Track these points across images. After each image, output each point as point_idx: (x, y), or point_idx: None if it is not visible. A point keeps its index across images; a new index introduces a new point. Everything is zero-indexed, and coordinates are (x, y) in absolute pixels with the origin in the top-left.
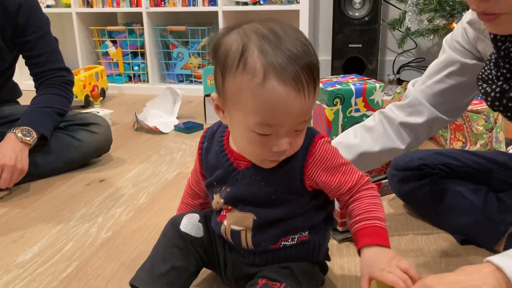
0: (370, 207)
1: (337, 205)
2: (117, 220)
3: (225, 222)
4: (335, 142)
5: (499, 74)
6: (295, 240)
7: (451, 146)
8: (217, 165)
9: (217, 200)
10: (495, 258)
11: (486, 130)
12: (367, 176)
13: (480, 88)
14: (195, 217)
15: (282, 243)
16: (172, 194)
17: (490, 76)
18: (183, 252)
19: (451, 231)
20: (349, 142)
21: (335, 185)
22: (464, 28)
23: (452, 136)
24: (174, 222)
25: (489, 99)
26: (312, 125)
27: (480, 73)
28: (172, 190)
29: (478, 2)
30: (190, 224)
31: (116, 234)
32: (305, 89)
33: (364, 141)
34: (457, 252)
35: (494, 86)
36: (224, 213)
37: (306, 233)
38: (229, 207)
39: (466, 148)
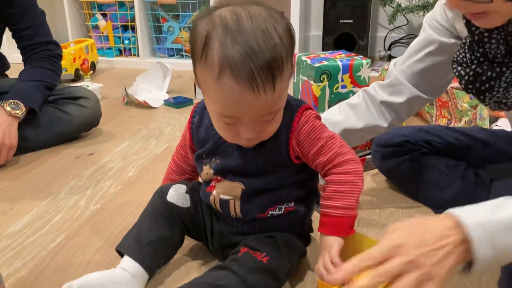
0: (331, 194)
1: (321, 180)
2: (105, 193)
3: (214, 192)
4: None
5: (473, 57)
6: (282, 210)
7: (436, 122)
8: (207, 138)
9: (207, 171)
10: (457, 211)
11: (470, 107)
12: (346, 153)
13: (454, 70)
14: (182, 188)
15: (270, 212)
16: (161, 168)
17: (465, 59)
18: (169, 222)
19: (431, 205)
20: (334, 119)
21: (310, 157)
22: (443, 6)
23: (437, 113)
24: (161, 193)
25: (463, 82)
26: None
27: (455, 56)
28: (160, 164)
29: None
30: (177, 195)
31: (104, 206)
32: (260, 87)
33: (348, 118)
34: None
35: (468, 70)
36: (213, 184)
37: (293, 204)
38: (219, 178)
39: (451, 125)
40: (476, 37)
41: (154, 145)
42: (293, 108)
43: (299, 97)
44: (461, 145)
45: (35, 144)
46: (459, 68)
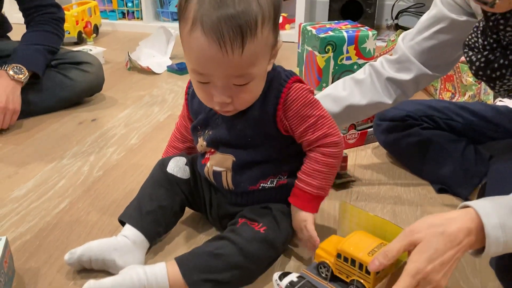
0: (310, 172)
1: None
2: (108, 159)
3: (208, 164)
4: (324, 93)
5: (485, 43)
6: (274, 183)
7: (440, 96)
8: (200, 110)
9: (201, 143)
10: (474, 203)
11: (475, 81)
12: (334, 134)
13: (465, 55)
14: (182, 160)
15: (261, 185)
16: (164, 135)
17: (477, 44)
18: (169, 193)
19: (430, 180)
20: (338, 95)
21: (298, 133)
22: None
23: (442, 86)
24: (162, 164)
25: (474, 67)
26: (303, 72)
27: (467, 40)
28: (163, 132)
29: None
30: (177, 167)
31: (107, 173)
32: (227, 44)
33: (352, 94)
34: (433, 200)
35: (479, 56)
36: (207, 156)
37: (286, 177)
38: (212, 150)
39: (455, 99)
40: (491, 23)
41: (157, 112)
42: (281, 79)
43: (303, 67)
44: (462, 121)
45: (38, 108)
46: (470, 53)
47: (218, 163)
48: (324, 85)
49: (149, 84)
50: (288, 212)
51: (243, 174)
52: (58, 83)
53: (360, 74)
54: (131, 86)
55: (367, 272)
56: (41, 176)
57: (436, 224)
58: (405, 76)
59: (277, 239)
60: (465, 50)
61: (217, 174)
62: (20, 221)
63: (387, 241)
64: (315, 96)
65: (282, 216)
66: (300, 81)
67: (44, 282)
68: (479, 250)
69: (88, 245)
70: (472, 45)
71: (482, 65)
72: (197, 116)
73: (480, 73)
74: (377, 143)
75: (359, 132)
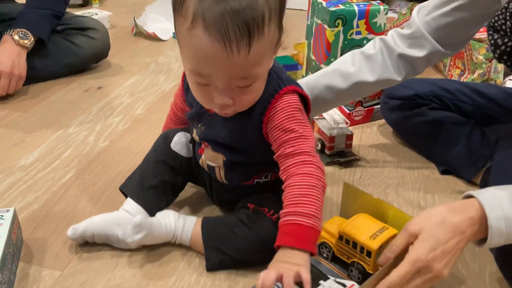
0: (294, 200)
1: (327, 130)
2: (114, 129)
3: (202, 156)
4: (332, 68)
5: None
6: (269, 177)
7: (449, 73)
8: (192, 103)
9: (195, 135)
10: (478, 194)
11: (486, 59)
12: (313, 155)
13: (490, 37)
14: (186, 136)
15: (256, 180)
16: (169, 106)
17: (504, 27)
18: (172, 169)
19: (434, 161)
20: (346, 70)
21: (275, 146)
22: None
23: (451, 63)
24: (166, 139)
25: (498, 51)
26: (311, 45)
27: (493, 21)
28: (168, 102)
29: None
30: (180, 144)
31: (113, 143)
32: (232, 43)
33: (361, 70)
34: (436, 182)
35: (506, 40)
36: (202, 147)
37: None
38: (205, 143)
39: (464, 76)
40: None
41: (162, 82)
42: (274, 86)
43: (312, 40)
44: (470, 102)
45: (44, 74)
46: (495, 36)
47: (210, 159)
48: (332, 59)
49: (155, 51)
50: None
51: (236, 172)
52: (64, 49)
53: (370, 48)
54: (137, 53)
55: (368, 255)
56: (47, 145)
57: (435, 215)
58: (418, 53)
59: None
60: (490, 32)
61: (211, 168)
62: (28, 190)
63: (389, 225)
64: (323, 70)
65: None
66: (294, 92)
67: (52, 252)
68: (481, 240)
69: (91, 220)
70: (499, 27)
71: (508, 49)
72: (191, 108)
73: (505, 57)
74: (383, 120)
75: (365, 109)
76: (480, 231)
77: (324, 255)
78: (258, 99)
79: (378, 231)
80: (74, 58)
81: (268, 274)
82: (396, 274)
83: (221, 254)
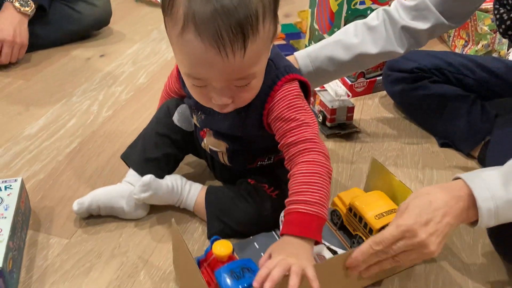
0: (299, 188)
1: (329, 102)
2: (117, 99)
3: (205, 140)
4: (335, 39)
5: None
6: (272, 159)
7: (453, 43)
8: (191, 95)
9: (195, 121)
10: (465, 176)
11: (490, 30)
12: (317, 142)
13: (495, 12)
14: (188, 111)
15: (259, 163)
16: None
17: (510, 2)
18: (174, 142)
19: (434, 134)
20: (349, 42)
21: (278, 136)
22: None
23: (455, 33)
24: (167, 111)
25: (503, 26)
26: (315, 14)
27: None
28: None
29: None
30: (182, 117)
31: (116, 113)
32: (227, 47)
33: (364, 41)
34: (435, 154)
35: (511, 14)
36: (204, 131)
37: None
38: (207, 129)
39: (468, 47)
40: None
41: (164, 50)
42: (273, 77)
43: (315, 9)
44: (472, 76)
45: (46, 41)
46: (501, 10)
47: (213, 144)
48: (335, 29)
49: (157, 18)
50: None
51: (240, 157)
52: (65, 16)
53: (373, 19)
54: (139, 20)
55: (370, 232)
56: (51, 114)
57: (425, 192)
58: (421, 25)
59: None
60: (496, 6)
61: (214, 152)
62: (34, 159)
63: None
64: (325, 41)
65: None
66: (294, 80)
67: (59, 220)
68: (474, 222)
69: (95, 193)
70: (505, 2)
71: None
72: (189, 97)
73: (510, 32)
74: (385, 92)
75: (367, 80)
76: (469, 209)
77: (334, 221)
78: (265, 80)
79: (386, 212)
80: (76, 25)
81: (274, 270)
82: (380, 233)
83: (222, 223)
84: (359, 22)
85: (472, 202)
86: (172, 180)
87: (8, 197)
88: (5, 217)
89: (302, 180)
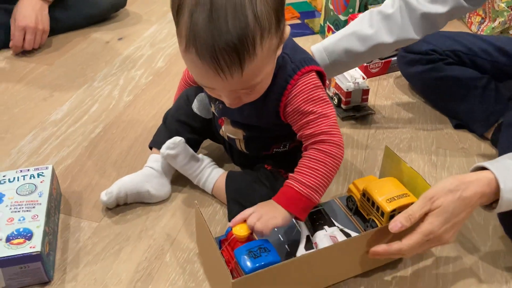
0: (304, 169)
1: (344, 85)
2: (137, 83)
3: (223, 128)
4: (350, 31)
5: None
6: (287, 146)
7: (469, 20)
8: None
9: (213, 109)
10: (491, 165)
11: (508, 7)
12: (334, 134)
13: None
14: (207, 99)
15: (274, 150)
16: None
17: None
18: (193, 129)
19: (448, 115)
20: (364, 33)
21: (296, 128)
22: None
23: None
24: (187, 100)
25: None
26: None
27: None
28: None
29: None
30: (201, 106)
31: (137, 97)
32: (224, 70)
33: (379, 31)
34: (449, 136)
35: None
36: (222, 119)
37: (297, 138)
38: (224, 118)
39: (484, 24)
40: None
41: None
42: (286, 73)
43: None
44: (487, 57)
45: (65, 25)
46: None
47: (230, 132)
48: (350, 10)
49: None
50: None
51: (255, 144)
52: (83, 0)
53: (388, 7)
54: (155, 1)
55: (382, 215)
56: (75, 99)
57: (453, 190)
58: (440, 9)
59: None
60: None
61: (231, 139)
62: (61, 145)
63: (414, 193)
64: (340, 32)
65: None
66: (311, 72)
67: (88, 204)
68: (488, 206)
69: (121, 182)
70: None
71: None
72: None
73: None
74: (399, 72)
75: (382, 61)
76: (489, 200)
77: (350, 207)
78: (273, 86)
79: (398, 196)
80: (94, 8)
81: (246, 212)
82: (409, 243)
83: (241, 207)
84: (374, 10)
85: (495, 193)
86: (202, 156)
87: (41, 184)
88: (40, 204)
89: (308, 164)
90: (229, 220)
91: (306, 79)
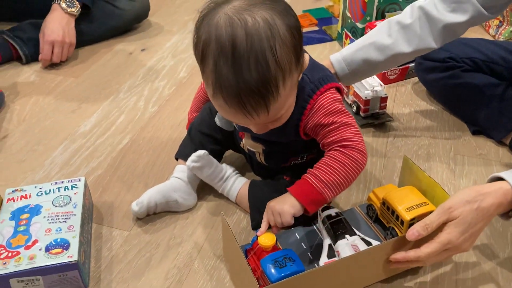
0: (322, 166)
1: (362, 93)
2: (161, 94)
3: (243, 141)
4: (369, 41)
5: None
6: (304, 158)
7: (487, 23)
8: None
9: (234, 124)
10: (508, 176)
11: None
12: (357, 141)
13: None
14: None
15: (292, 162)
16: None
17: None
18: (216, 140)
19: (466, 121)
20: (383, 43)
21: (320, 138)
22: None
23: None
24: (210, 113)
25: None
26: (347, 6)
27: None
28: None
29: None
30: (224, 119)
31: (161, 108)
32: (251, 112)
33: (398, 41)
34: (467, 142)
35: None
36: (243, 133)
37: (315, 150)
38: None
39: (502, 28)
40: None
41: None
42: (305, 94)
43: (348, 1)
44: (505, 64)
45: (90, 38)
46: None
47: (250, 145)
48: (368, 18)
49: (192, 7)
50: None
51: (274, 157)
52: (108, 13)
53: (406, 18)
54: (175, 11)
55: (402, 223)
56: (102, 110)
57: (471, 201)
58: (460, 18)
59: None
60: None
61: (251, 152)
62: (90, 156)
63: (432, 202)
64: (359, 42)
65: None
66: (330, 89)
67: (119, 214)
68: (505, 214)
69: (150, 192)
70: None
71: None
72: None
73: None
74: (417, 78)
75: (400, 67)
76: (505, 210)
77: (370, 215)
78: (301, 94)
79: (417, 205)
80: (117, 21)
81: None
82: (427, 251)
83: (262, 215)
84: (392, 20)
85: (511, 203)
86: (226, 166)
87: (75, 196)
88: (75, 214)
89: (327, 162)
90: (252, 227)
91: (325, 96)
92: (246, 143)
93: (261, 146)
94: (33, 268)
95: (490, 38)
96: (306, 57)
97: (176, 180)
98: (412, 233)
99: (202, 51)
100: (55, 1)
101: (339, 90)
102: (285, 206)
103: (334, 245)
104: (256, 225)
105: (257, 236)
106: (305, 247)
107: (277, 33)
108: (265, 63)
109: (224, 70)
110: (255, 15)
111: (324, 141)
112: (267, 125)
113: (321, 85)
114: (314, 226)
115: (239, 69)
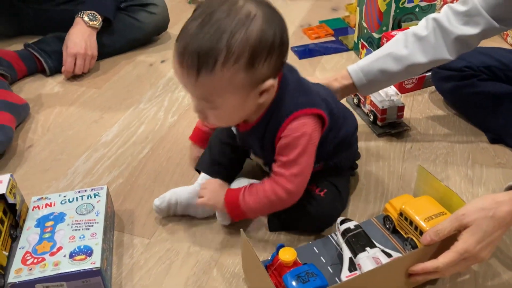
0: (255, 190)
1: (379, 103)
2: (180, 104)
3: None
4: (386, 52)
5: None
6: (314, 166)
7: (505, 32)
8: None
9: (238, 140)
10: None
11: None
12: (292, 182)
13: None
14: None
15: None
16: None
17: None
18: (235, 149)
19: (484, 130)
20: (399, 53)
21: (275, 155)
22: None
23: None
24: None
25: None
26: (364, 16)
27: None
28: None
29: None
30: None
31: (181, 118)
32: (184, 66)
33: (414, 52)
34: (485, 151)
35: None
36: None
37: (317, 165)
38: None
39: None
40: None
41: None
42: (282, 115)
43: (363, 9)
44: None
45: (111, 50)
46: None
47: (255, 158)
48: (384, 28)
49: None
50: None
51: None
52: (128, 25)
53: (422, 30)
54: None
55: (420, 234)
56: (123, 121)
57: (486, 208)
58: (472, 30)
59: (336, 201)
60: None
61: (258, 163)
62: (112, 165)
63: (449, 211)
64: (376, 53)
65: (338, 179)
66: (304, 116)
67: (139, 222)
68: None
69: (174, 191)
70: None
71: None
72: None
73: None
74: (433, 87)
75: (417, 77)
76: None
77: (387, 226)
78: (270, 125)
79: (435, 214)
80: (138, 33)
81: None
82: (444, 261)
83: (279, 220)
84: (409, 32)
85: None
86: (240, 178)
87: (98, 204)
88: (98, 222)
89: (260, 187)
90: (270, 230)
91: (299, 123)
92: (252, 155)
93: (261, 161)
94: (58, 274)
95: (508, 47)
96: (269, 83)
97: (199, 186)
98: (425, 237)
99: (195, 10)
100: (78, 15)
101: (320, 117)
102: (218, 206)
103: (354, 258)
104: (273, 230)
105: (277, 252)
106: (324, 261)
107: (247, 27)
108: (219, 37)
109: (191, 26)
110: (247, 3)
111: (273, 163)
112: (204, 110)
113: (296, 110)
114: (331, 237)
115: (199, 30)
